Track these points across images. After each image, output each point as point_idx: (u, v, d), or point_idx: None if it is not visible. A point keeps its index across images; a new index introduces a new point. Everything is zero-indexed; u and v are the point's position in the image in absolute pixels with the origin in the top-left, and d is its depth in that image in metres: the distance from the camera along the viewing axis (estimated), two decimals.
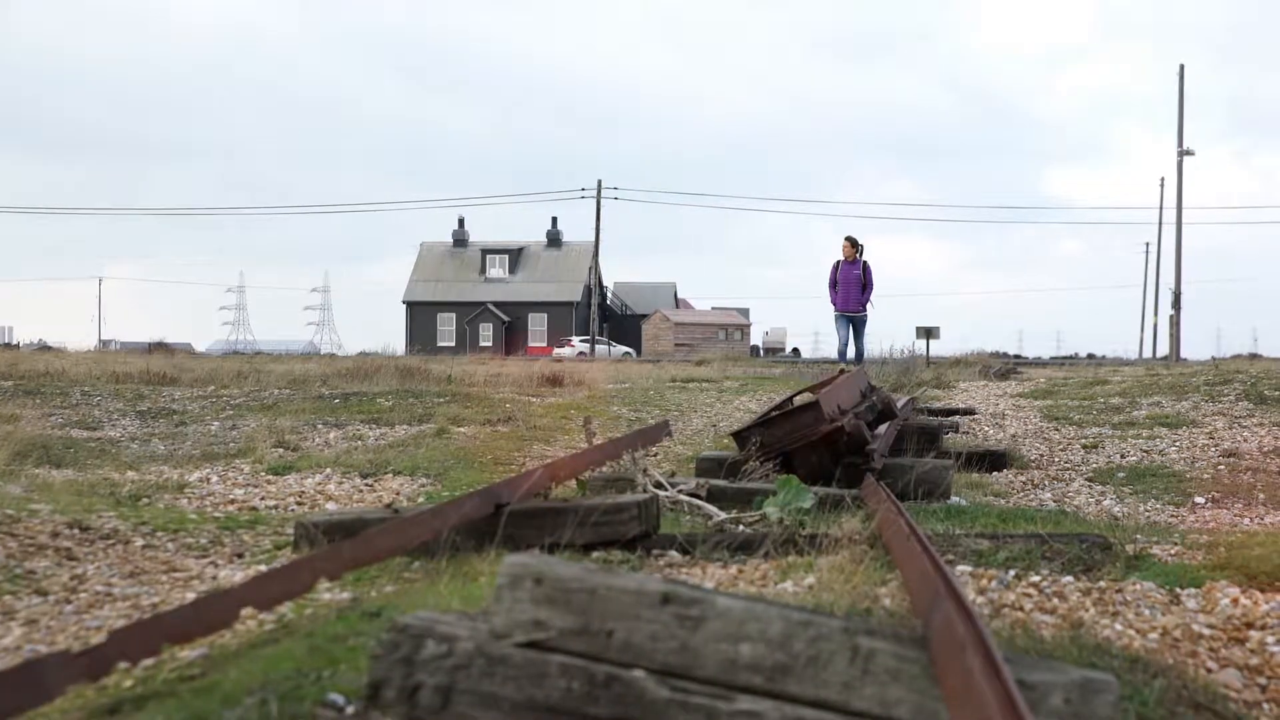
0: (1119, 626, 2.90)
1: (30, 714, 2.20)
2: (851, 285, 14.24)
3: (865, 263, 14.38)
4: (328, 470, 6.35)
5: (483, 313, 60.33)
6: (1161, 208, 46.64)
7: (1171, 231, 38.98)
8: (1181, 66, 38.23)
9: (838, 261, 14.38)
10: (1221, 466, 7.29)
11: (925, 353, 20.49)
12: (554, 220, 64.27)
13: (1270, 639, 2.83)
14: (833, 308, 14.47)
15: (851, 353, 14.46)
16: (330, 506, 5.46)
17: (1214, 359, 22.28)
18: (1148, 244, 58.19)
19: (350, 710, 1.99)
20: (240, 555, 4.16)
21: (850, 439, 5.66)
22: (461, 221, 64.30)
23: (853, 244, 14.37)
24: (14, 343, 42.45)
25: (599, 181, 49.96)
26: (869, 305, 14.45)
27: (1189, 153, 37.82)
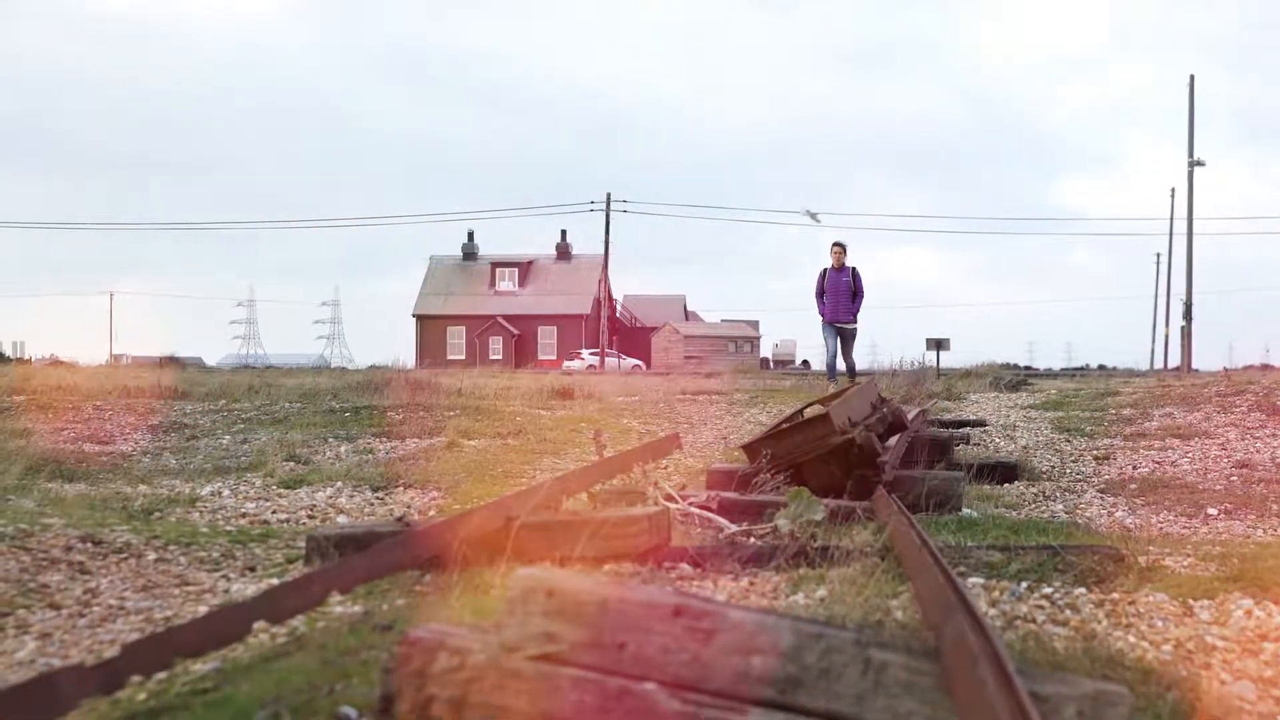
0: (1132, 638, 2.89)
1: None
2: (841, 294, 13.70)
3: (854, 270, 13.82)
4: (339, 484, 6.36)
5: (492, 326, 60.39)
6: (1172, 218, 46.43)
7: (1183, 242, 38.89)
8: (1191, 77, 38.21)
9: (825, 269, 13.84)
10: (1234, 478, 7.25)
11: (936, 364, 20.47)
12: (563, 233, 64.45)
13: None
14: (820, 318, 13.95)
15: (842, 366, 13.93)
16: (341, 520, 5.47)
17: (1225, 370, 22.15)
18: (1159, 255, 58.04)
19: None
20: (252, 569, 4.17)
21: (861, 451, 5.66)
22: (471, 235, 64.49)
23: (842, 250, 13.81)
24: (26, 358, 42.63)
25: (608, 195, 50.03)
26: (857, 316, 13.96)
27: (1200, 163, 37.69)
